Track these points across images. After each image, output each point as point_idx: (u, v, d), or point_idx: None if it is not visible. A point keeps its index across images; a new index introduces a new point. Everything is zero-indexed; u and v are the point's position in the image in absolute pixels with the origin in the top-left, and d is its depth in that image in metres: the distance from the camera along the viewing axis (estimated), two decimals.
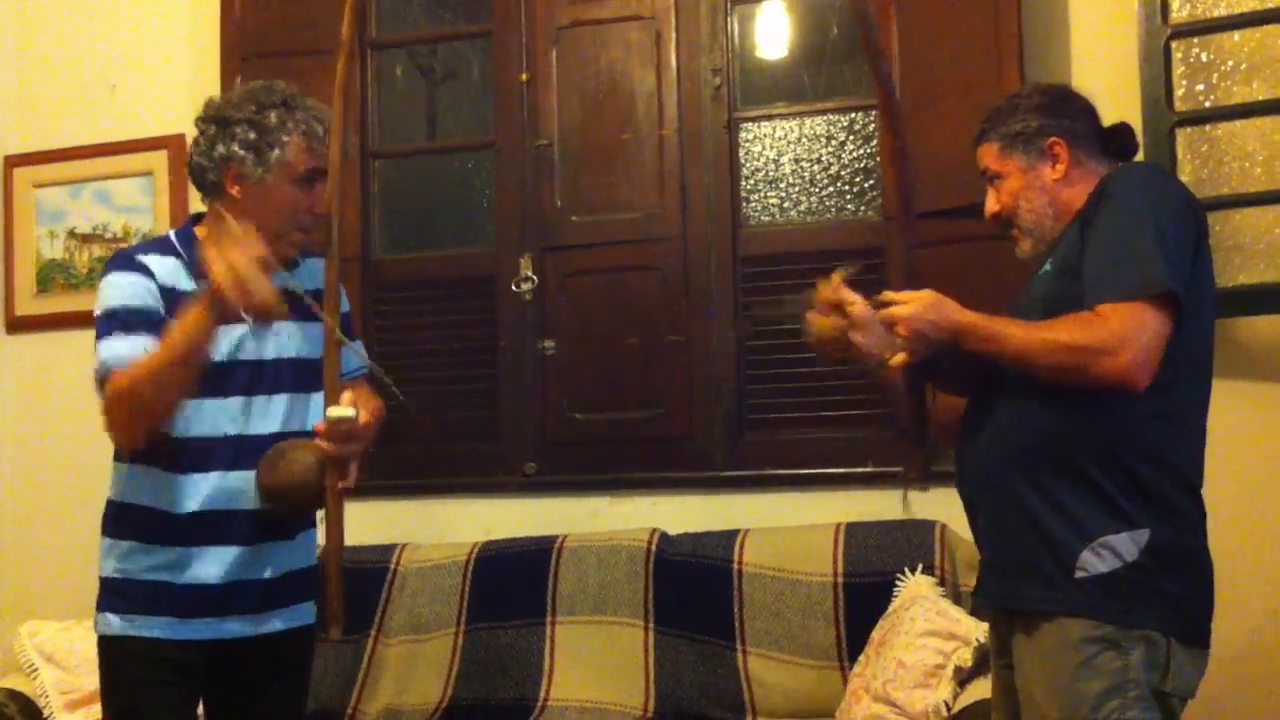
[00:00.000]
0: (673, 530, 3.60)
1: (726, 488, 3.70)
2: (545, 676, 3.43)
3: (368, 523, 3.91)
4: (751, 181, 3.80)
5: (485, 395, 3.95)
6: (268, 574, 2.38)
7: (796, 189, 3.78)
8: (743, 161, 3.80)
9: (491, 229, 4.02)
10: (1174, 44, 3.18)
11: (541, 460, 3.85)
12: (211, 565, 2.30)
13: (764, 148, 3.80)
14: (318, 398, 2.32)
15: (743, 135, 3.81)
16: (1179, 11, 3.19)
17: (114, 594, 2.34)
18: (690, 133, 3.76)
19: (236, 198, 2.31)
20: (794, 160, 3.77)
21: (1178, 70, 3.20)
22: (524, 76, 3.90)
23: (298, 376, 2.38)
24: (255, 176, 2.29)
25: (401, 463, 3.99)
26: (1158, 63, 3.17)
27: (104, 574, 2.37)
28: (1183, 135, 3.19)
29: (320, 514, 2.29)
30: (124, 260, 2.32)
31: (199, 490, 2.30)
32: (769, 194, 3.80)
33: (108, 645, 2.34)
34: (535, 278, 3.85)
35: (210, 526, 2.30)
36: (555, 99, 3.87)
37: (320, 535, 2.33)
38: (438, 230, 4.28)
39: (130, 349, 2.19)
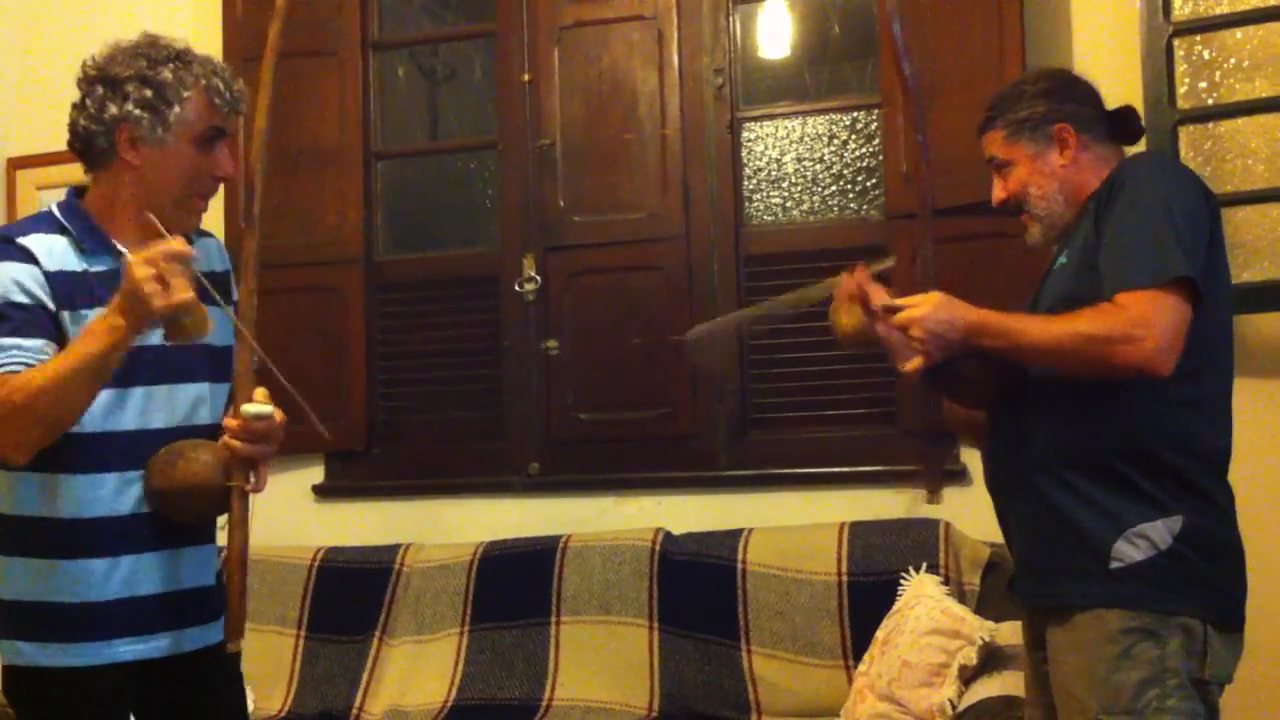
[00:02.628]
0: (677, 530, 3.60)
1: (730, 487, 3.70)
2: (550, 676, 3.44)
3: (371, 523, 3.93)
4: (754, 181, 3.80)
5: (489, 395, 3.95)
6: (186, 584, 2.17)
7: (799, 188, 3.77)
8: (745, 161, 3.80)
9: (494, 229, 4.02)
10: (1176, 41, 3.18)
11: (545, 460, 3.85)
12: (123, 578, 2.10)
13: (766, 147, 3.80)
14: (222, 389, 2.18)
15: (745, 135, 3.81)
16: (1181, 9, 3.19)
17: (19, 619, 2.09)
18: (693, 132, 3.76)
19: (132, 163, 2.10)
20: (796, 159, 3.77)
21: (1180, 68, 3.20)
22: (526, 76, 3.90)
23: (199, 365, 2.18)
24: (154, 139, 2.09)
25: (405, 463, 4.00)
26: (1160, 60, 3.17)
27: (3, 596, 2.12)
28: (1185, 133, 3.19)
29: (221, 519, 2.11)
30: (4, 247, 2.06)
31: (99, 493, 2.08)
32: (771, 193, 3.80)
33: (19, 676, 2.11)
34: (538, 278, 3.86)
35: (117, 534, 2.09)
36: (558, 99, 3.87)
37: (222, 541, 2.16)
38: (441, 231, 4.29)
39: (21, 352, 1.97)
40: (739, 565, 3.41)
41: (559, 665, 3.45)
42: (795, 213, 3.78)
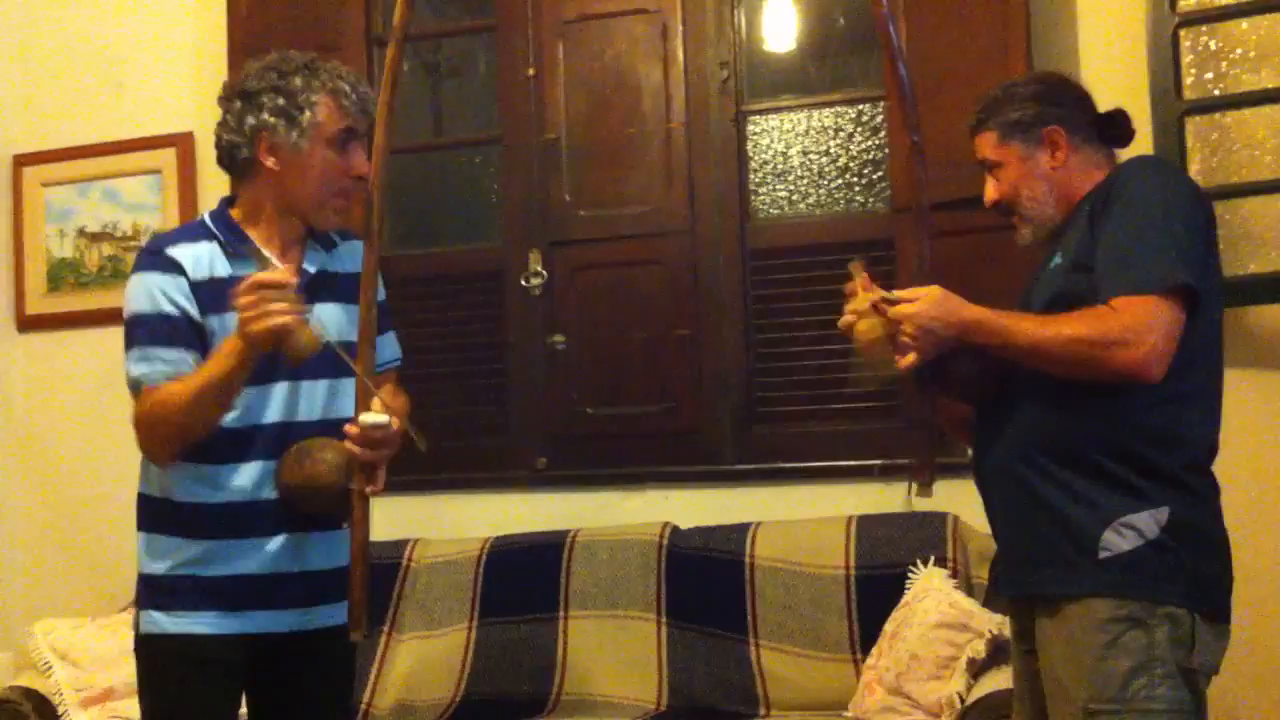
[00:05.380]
0: (684, 524, 3.60)
1: (737, 481, 3.70)
2: (558, 671, 3.44)
3: (379, 519, 3.84)
4: (759, 174, 3.80)
5: (495, 391, 3.95)
6: (312, 565, 2.30)
7: (805, 181, 3.77)
8: (750, 154, 3.80)
9: (499, 224, 4.02)
10: (1182, 32, 3.18)
11: (552, 455, 3.85)
12: (255, 556, 2.24)
13: (772, 140, 3.79)
14: (351, 384, 2.28)
15: (750, 128, 3.80)
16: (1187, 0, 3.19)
17: (157, 591, 2.26)
18: (698, 126, 3.76)
19: (273, 169, 2.25)
20: (802, 153, 3.77)
21: (1186, 59, 3.19)
22: (530, 71, 3.90)
23: (339, 361, 2.27)
24: (290, 143, 2.23)
25: (412, 458, 3.97)
26: (1166, 51, 3.17)
27: (144, 571, 2.29)
28: (1191, 124, 3.18)
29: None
30: (154, 258, 2.25)
31: (241, 480, 2.24)
32: (777, 187, 3.79)
33: (149, 644, 2.27)
34: (544, 273, 3.85)
35: (253, 517, 2.24)
36: (562, 93, 3.87)
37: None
38: (446, 226, 4.29)
39: (164, 363, 2.17)
40: (746, 559, 3.41)
41: (567, 659, 3.46)
42: (801, 206, 3.78)
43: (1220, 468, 2.14)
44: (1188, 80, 3.19)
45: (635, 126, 3.80)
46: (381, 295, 2.37)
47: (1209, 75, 3.20)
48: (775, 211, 3.80)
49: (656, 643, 3.41)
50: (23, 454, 4.32)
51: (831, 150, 3.75)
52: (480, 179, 4.18)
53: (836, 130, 3.75)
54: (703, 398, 3.72)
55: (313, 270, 2.31)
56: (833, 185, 3.75)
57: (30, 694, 3.43)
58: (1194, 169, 3.15)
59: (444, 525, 3.87)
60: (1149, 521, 2.03)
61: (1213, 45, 3.19)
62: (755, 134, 3.80)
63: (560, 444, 3.85)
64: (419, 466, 3.95)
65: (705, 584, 3.43)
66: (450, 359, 4.00)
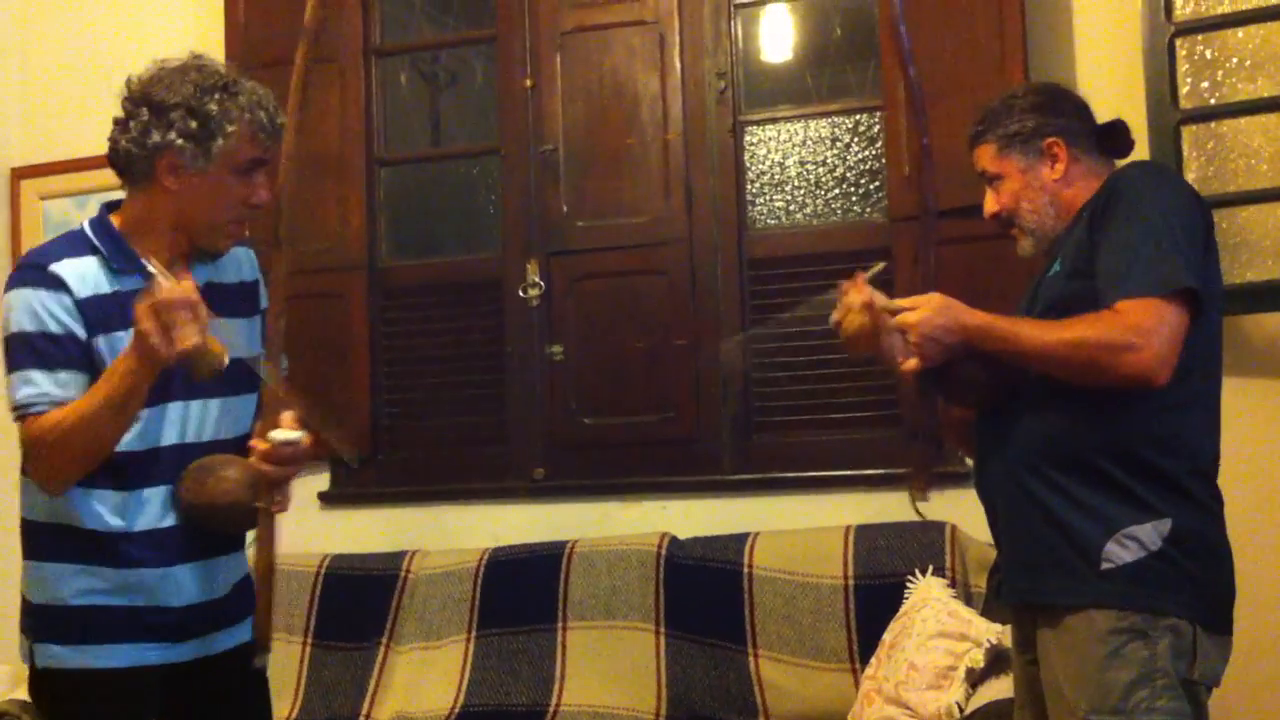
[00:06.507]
0: (682, 534, 3.60)
1: (735, 491, 3.69)
2: (557, 682, 3.43)
3: (377, 530, 3.93)
4: (757, 184, 3.80)
5: (493, 401, 3.95)
6: (223, 590, 2.24)
7: (802, 192, 3.77)
8: (748, 165, 3.80)
9: (497, 235, 4.02)
10: (1178, 41, 3.18)
11: (550, 465, 3.85)
12: (167, 585, 2.15)
13: (769, 150, 3.80)
14: (242, 401, 2.22)
15: (747, 138, 3.80)
16: (1183, 8, 3.19)
17: (58, 622, 2.13)
18: (695, 136, 3.76)
19: (170, 188, 2.11)
20: (799, 163, 3.77)
21: (1182, 67, 3.20)
22: (528, 82, 3.91)
23: (227, 379, 2.13)
24: (195, 167, 2.09)
25: (410, 469, 4.00)
26: (1162, 60, 3.17)
27: (37, 601, 2.16)
28: (1188, 132, 3.19)
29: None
30: (35, 274, 2.09)
31: (147, 506, 2.13)
32: (774, 197, 3.79)
33: (51, 679, 2.16)
34: (542, 283, 3.86)
35: (159, 545, 2.14)
36: (560, 104, 3.88)
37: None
38: (444, 236, 4.29)
39: (51, 386, 2.04)
40: (745, 569, 3.40)
41: (565, 670, 3.45)
42: (798, 216, 3.78)
43: (1219, 476, 2.14)
44: (1184, 89, 3.19)
45: (633, 137, 3.80)
46: (263, 303, 2.31)
47: (1205, 84, 3.20)
48: (773, 221, 3.80)
49: (655, 653, 3.40)
50: (17, 468, 4.31)
51: (829, 160, 3.75)
52: (478, 189, 4.19)
53: (833, 140, 3.75)
54: (701, 407, 3.72)
55: (200, 283, 2.12)
56: (830, 195, 3.75)
57: (29, 706, 3.41)
58: (1190, 177, 3.15)
59: (442, 536, 3.87)
60: (1151, 533, 2.02)
61: (1209, 54, 3.20)
62: (752, 144, 3.81)
63: (558, 454, 3.85)
64: (418, 477, 3.98)
65: (704, 594, 3.42)
66: (448, 369, 4.01)
